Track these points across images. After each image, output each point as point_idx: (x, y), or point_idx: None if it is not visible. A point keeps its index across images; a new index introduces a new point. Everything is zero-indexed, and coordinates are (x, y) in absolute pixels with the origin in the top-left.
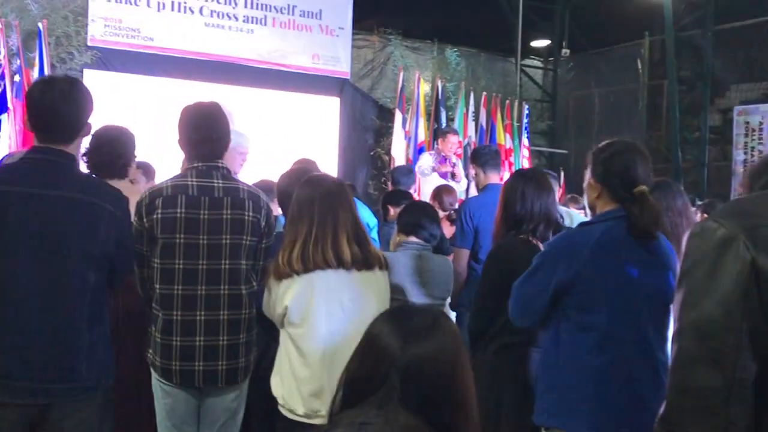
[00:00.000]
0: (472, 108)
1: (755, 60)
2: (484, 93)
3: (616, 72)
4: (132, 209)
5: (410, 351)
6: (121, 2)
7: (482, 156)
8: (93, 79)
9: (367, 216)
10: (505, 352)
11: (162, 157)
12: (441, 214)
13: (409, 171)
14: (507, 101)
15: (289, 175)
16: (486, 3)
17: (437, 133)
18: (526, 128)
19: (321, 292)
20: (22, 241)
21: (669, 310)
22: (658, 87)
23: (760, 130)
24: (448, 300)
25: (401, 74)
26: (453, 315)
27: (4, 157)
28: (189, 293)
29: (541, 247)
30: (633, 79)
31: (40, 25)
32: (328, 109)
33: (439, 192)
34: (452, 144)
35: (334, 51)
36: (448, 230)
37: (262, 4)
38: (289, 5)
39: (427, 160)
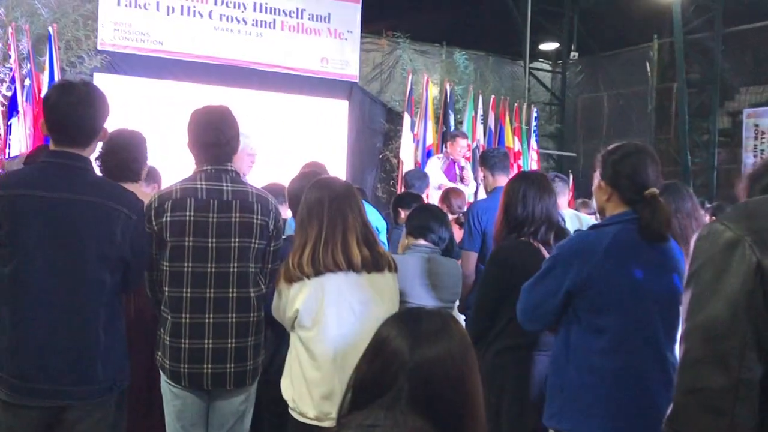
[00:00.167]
0: (480, 111)
1: (765, 62)
2: (493, 96)
3: (625, 75)
4: None
5: (419, 354)
6: (130, 6)
7: (491, 159)
8: (103, 83)
9: (375, 219)
10: (504, 354)
11: (172, 160)
12: (450, 217)
13: (423, 175)
14: (515, 104)
15: (299, 178)
16: (494, 6)
17: (446, 137)
18: (534, 131)
19: (331, 295)
20: (39, 244)
21: (678, 312)
22: (666, 90)
23: None
24: (457, 303)
25: (410, 77)
26: (461, 318)
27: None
28: (198, 296)
29: (542, 249)
30: (642, 81)
31: (50, 29)
32: (337, 112)
33: (448, 195)
34: (461, 147)
35: (342, 54)
36: (457, 233)
37: (270, 8)
38: (297, 9)
39: (435, 165)
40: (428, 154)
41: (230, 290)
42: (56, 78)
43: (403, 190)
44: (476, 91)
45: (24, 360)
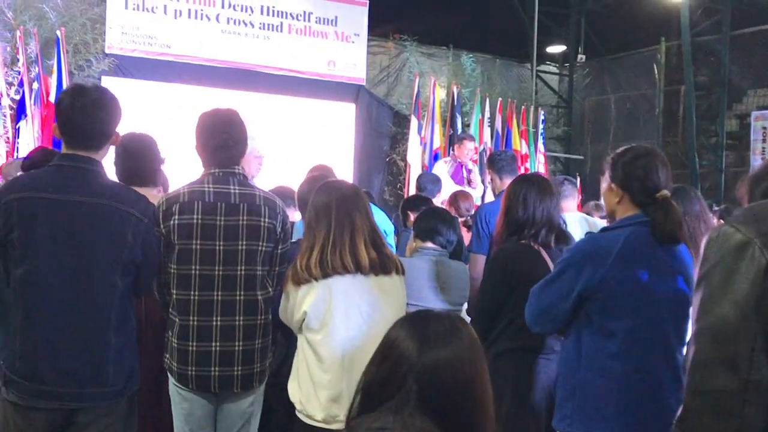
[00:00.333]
0: (487, 114)
1: None
2: (500, 99)
3: (632, 77)
4: None
5: (427, 356)
6: (138, 10)
7: (499, 162)
8: (111, 86)
9: (383, 222)
10: (503, 357)
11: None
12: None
13: (436, 179)
14: (522, 107)
15: (308, 182)
16: (501, 9)
17: (453, 139)
18: (541, 134)
19: (339, 298)
20: (51, 246)
21: (687, 314)
22: (674, 92)
23: None
24: (465, 306)
25: (417, 80)
26: (469, 320)
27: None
28: (205, 299)
29: (543, 252)
30: (649, 84)
31: (58, 32)
32: (344, 115)
33: (456, 198)
34: (468, 150)
35: (349, 57)
36: (465, 236)
37: (278, 11)
38: (304, 12)
39: (441, 170)
40: (435, 157)
41: (237, 293)
42: (64, 81)
43: (414, 193)
44: (483, 94)
45: (35, 362)
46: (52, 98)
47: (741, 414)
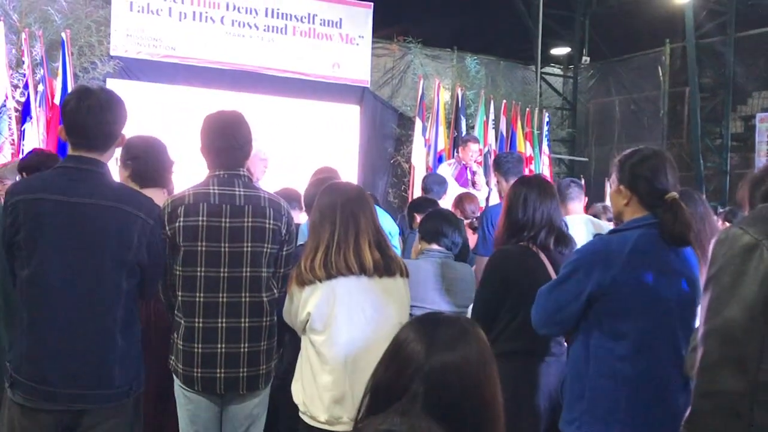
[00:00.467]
0: (492, 116)
1: None
2: (504, 101)
3: (637, 79)
4: None
5: (435, 358)
6: (143, 12)
7: (505, 164)
8: (115, 89)
9: (387, 224)
10: (502, 360)
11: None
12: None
13: (442, 180)
14: (527, 109)
15: (314, 184)
16: (505, 11)
17: (457, 141)
18: (546, 136)
19: (343, 299)
20: (57, 248)
21: (695, 315)
22: (679, 94)
23: None
24: (470, 308)
25: (421, 82)
26: None
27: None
28: (210, 301)
29: (541, 254)
30: (654, 86)
31: (63, 35)
32: (349, 117)
33: (461, 200)
34: (473, 152)
35: (354, 59)
36: (471, 238)
37: (282, 14)
38: (309, 14)
39: (445, 173)
40: (440, 159)
41: (243, 295)
42: (69, 83)
43: (420, 195)
44: (488, 96)
45: (41, 364)
46: (57, 100)
47: (749, 415)
